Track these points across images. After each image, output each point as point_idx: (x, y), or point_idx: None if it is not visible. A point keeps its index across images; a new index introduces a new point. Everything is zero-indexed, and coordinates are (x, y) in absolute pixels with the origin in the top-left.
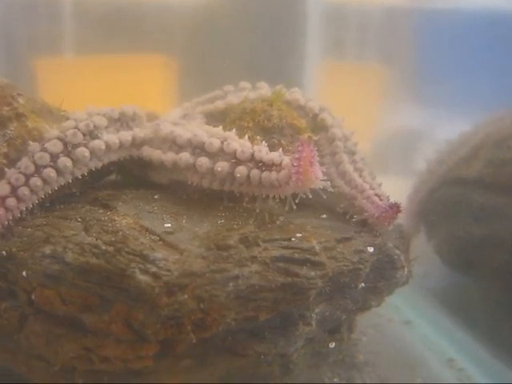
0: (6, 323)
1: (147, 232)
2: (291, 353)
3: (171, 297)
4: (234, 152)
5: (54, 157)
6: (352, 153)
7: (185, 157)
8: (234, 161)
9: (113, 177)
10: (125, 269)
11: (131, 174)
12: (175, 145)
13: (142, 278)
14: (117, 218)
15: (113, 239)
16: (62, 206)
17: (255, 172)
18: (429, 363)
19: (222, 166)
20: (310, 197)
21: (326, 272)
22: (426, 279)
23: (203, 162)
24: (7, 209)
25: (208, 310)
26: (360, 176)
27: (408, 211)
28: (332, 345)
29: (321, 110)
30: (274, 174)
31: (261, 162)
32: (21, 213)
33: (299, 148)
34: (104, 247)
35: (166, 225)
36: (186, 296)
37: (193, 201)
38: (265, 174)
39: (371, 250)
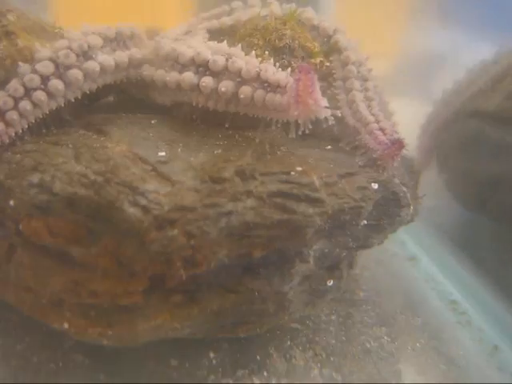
0: None
1: (140, 161)
2: (286, 291)
3: (160, 231)
4: (239, 71)
5: (45, 79)
6: (365, 79)
7: (188, 77)
8: (238, 80)
9: (110, 98)
10: (113, 201)
11: (129, 96)
12: (178, 63)
13: (131, 210)
14: (109, 145)
15: (103, 169)
16: (55, 131)
17: (260, 93)
18: (430, 304)
19: (226, 85)
20: (310, 127)
21: (325, 210)
22: (435, 214)
23: (207, 82)
24: None
25: (198, 246)
26: (368, 106)
27: (420, 142)
28: (330, 282)
29: (335, 31)
30: (278, 97)
31: (266, 82)
32: (10, 138)
33: (297, 75)
34: (93, 177)
35: (160, 153)
36: (176, 231)
37: (191, 126)
38: (269, 96)
39: (375, 186)
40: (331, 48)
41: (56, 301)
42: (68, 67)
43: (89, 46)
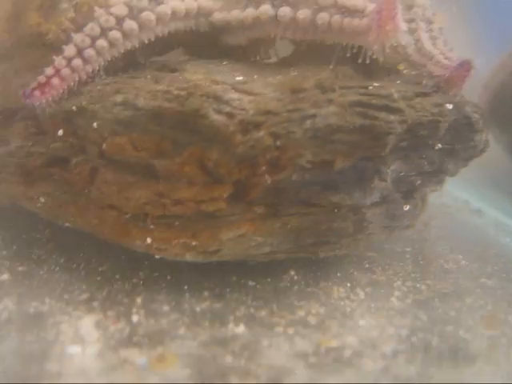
0: (78, 178)
1: (218, 83)
2: (366, 206)
3: (246, 134)
4: None
5: (120, 20)
6: (429, 21)
7: (266, 10)
8: (316, 7)
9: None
10: (198, 109)
11: (199, 46)
12: (251, 1)
13: (216, 117)
14: (187, 76)
15: (185, 86)
16: (131, 71)
17: (337, 18)
18: (501, 242)
19: (304, 13)
20: (388, 51)
21: (405, 118)
22: (495, 177)
23: (285, 11)
24: (73, 69)
25: (284, 147)
26: (433, 44)
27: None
28: (406, 207)
29: None
30: (356, 21)
31: (344, 7)
32: (88, 75)
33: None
34: (176, 92)
35: (237, 78)
36: (262, 133)
37: (264, 64)
38: (347, 20)
39: (450, 106)
40: None
41: (140, 215)
42: (141, 10)
43: None
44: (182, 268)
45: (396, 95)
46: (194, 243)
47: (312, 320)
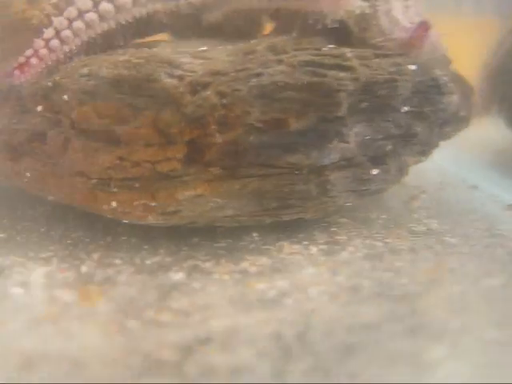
0: (53, 149)
1: (179, 53)
2: (329, 168)
3: (195, 94)
4: None
5: (97, 3)
6: None
7: None
8: None
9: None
10: (151, 74)
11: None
12: None
13: (167, 80)
14: (155, 50)
15: (144, 55)
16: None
17: None
18: (484, 210)
19: None
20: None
21: (356, 76)
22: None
23: None
24: (51, 50)
25: (230, 105)
26: (404, 13)
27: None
28: (375, 172)
29: None
30: None
31: None
32: (65, 55)
33: None
34: (135, 60)
35: (200, 48)
36: (209, 92)
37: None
38: None
39: (413, 67)
40: None
41: (105, 180)
42: None
43: None
44: (150, 233)
45: (349, 54)
46: (153, 204)
47: (252, 269)
